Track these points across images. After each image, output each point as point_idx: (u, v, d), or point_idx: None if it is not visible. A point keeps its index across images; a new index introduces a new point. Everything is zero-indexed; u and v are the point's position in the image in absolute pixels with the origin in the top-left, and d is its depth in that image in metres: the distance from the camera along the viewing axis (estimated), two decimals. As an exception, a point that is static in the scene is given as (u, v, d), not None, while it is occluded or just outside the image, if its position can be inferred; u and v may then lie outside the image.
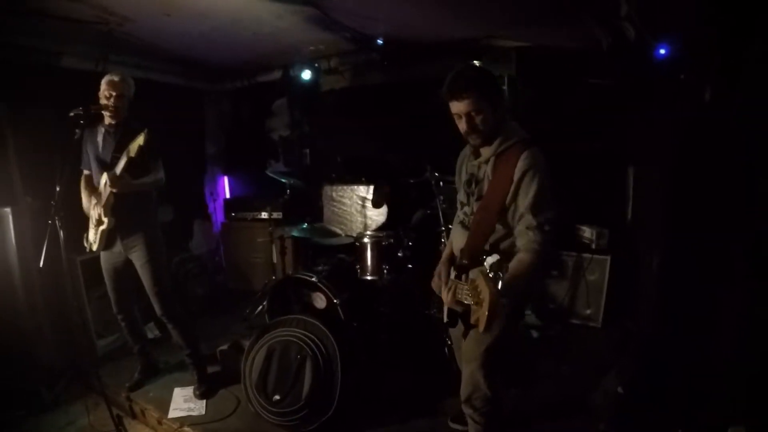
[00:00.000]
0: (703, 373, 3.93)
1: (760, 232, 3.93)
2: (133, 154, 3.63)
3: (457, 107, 2.57)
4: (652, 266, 4.95)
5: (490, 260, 2.18)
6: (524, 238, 2.50)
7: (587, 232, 5.58)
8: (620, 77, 5.15)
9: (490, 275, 2.13)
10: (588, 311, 5.47)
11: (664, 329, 4.64)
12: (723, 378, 3.84)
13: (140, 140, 3.58)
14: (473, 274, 2.45)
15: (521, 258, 2.47)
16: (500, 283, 2.09)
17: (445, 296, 2.54)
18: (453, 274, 2.63)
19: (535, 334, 5.26)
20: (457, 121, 2.65)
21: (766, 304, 3.83)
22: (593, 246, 5.49)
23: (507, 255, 2.53)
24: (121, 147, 3.78)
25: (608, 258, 5.35)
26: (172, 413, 4.17)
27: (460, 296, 2.41)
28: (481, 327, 2.08)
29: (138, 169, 3.89)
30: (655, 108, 4.96)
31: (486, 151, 2.71)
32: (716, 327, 4.17)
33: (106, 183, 3.88)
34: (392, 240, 4.85)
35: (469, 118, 2.57)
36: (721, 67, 4.16)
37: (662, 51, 4.45)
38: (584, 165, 5.57)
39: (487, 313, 2.03)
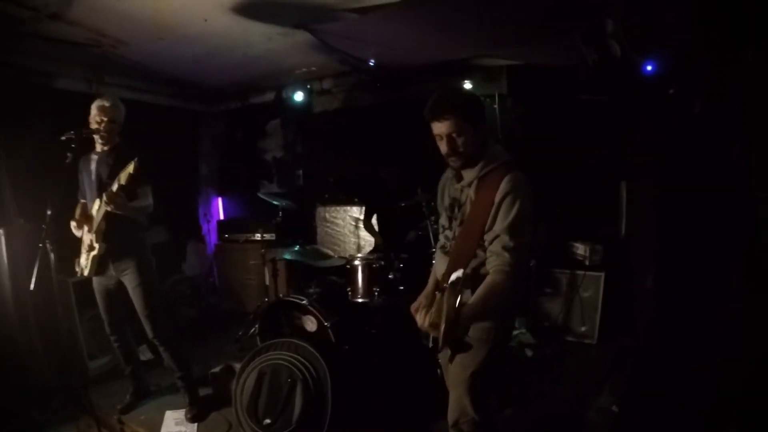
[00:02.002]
0: (699, 391, 3.92)
1: (756, 245, 3.94)
2: (123, 182, 3.62)
3: (438, 128, 2.58)
4: (646, 282, 4.95)
5: (454, 276, 2.16)
6: (499, 259, 2.46)
7: (581, 249, 5.56)
8: (609, 93, 5.18)
9: (451, 291, 2.11)
10: (583, 328, 5.44)
11: (659, 346, 4.63)
12: (719, 395, 3.83)
13: (130, 168, 3.56)
14: (439, 297, 2.41)
15: (494, 281, 2.45)
16: (460, 297, 2.08)
17: (420, 320, 2.49)
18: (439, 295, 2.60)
19: (529, 352, 5.23)
20: (438, 143, 2.65)
21: (762, 319, 3.84)
22: (587, 262, 5.47)
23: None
24: (114, 174, 3.76)
25: (602, 274, 5.33)
26: (164, 437, 4.13)
27: (431, 318, 2.39)
28: (440, 343, 2.06)
29: (129, 195, 3.87)
30: (645, 123, 4.98)
31: (468, 175, 2.68)
32: (712, 343, 4.16)
33: (99, 207, 3.89)
34: (383, 262, 4.82)
35: (450, 139, 2.57)
36: (710, 80, 4.18)
37: (649, 68, 4.47)
38: (576, 181, 5.59)
39: (443, 327, 2.01)
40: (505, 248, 2.44)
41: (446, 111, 2.52)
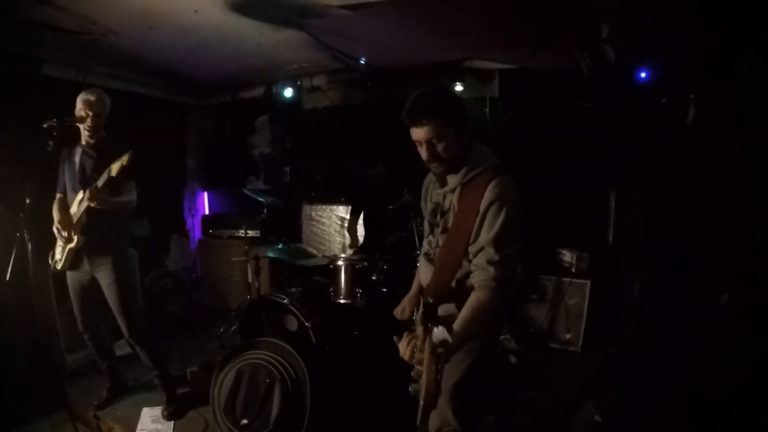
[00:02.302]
0: (686, 401, 3.90)
1: (747, 252, 3.92)
2: (114, 173, 3.55)
3: (417, 134, 2.43)
4: (633, 291, 4.93)
5: (437, 334, 1.98)
6: (483, 273, 2.34)
7: (567, 256, 5.55)
8: (602, 100, 5.16)
9: (431, 358, 1.87)
10: (568, 335, 5.43)
11: (645, 355, 4.61)
12: (707, 406, 3.81)
13: (124, 160, 3.51)
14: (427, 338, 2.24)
15: (479, 298, 2.32)
16: (442, 371, 1.90)
17: (403, 350, 2.29)
18: (420, 312, 2.47)
19: (513, 358, 5.19)
20: (418, 148, 2.51)
21: (752, 328, 3.82)
22: (573, 270, 5.47)
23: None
24: (100, 167, 3.71)
25: (588, 282, 5.31)
26: (140, 433, 4.08)
27: (416, 355, 2.18)
28: (419, 416, 1.96)
29: (114, 189, 3.83)
30: (638, 131, 4.97)
31: (452, 180, 2.55)
32: (701, 353, 4.14)
33: (81, 200, 3.82)
34: (366, 263, 4.77)
35: (429, 145, 2.42)
36: (707, 84, 4.16)
37: (643, 74, 4.45)
38: (565, 187, 5.57)
39: (421, 401, 1.89)
40: (489, 262, 2.32)
41: (424, 115, 2.37)
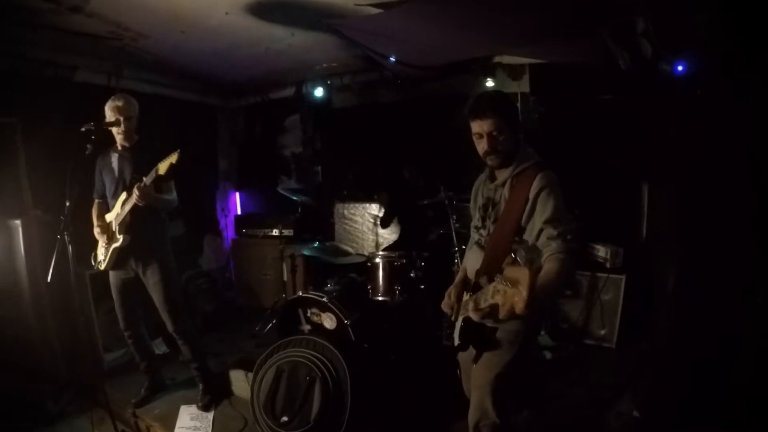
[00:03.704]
0: (723, 395, 3.86)
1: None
2: (162, 171, 3.66)
3: (480, 126, 2.63)
4: (667, 286, 4.87)
5: (522, 251, 2.21)
6: (548, 249, 2.46)
7: (602, 251, 5.48)
8: (635, 94, 5.11)
9: (521, 261, 2.11)
10: (602, 332, 5.37)
11: (681, 350, 4.56)
12: (744, 401, 3.76)
13: (173, 158, 3.60)
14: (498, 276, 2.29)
15: (549, 268, 2.40)
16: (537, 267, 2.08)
17: (465, 308, 2.48)
18: (468, 296, 2.56)
19: (548, 355, 5.17)
20: (476, 141, 2.71)
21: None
22: (608, 265, 5.39)
23: None
24: (140, 168, 3.81)
25: (623, 277, 5.25)
26: (178, 431, 4.12)
27: (483, 301, 2.16)
28: (519, 308, 1.93)
29: (158, 188, 3.91)
30: (671, 125, 4.91)
31: (502, 174, 2.75)
32: (736, 348, 4.10)
33: (125, 200, 3.92)
34: (404, 260, 4.80)
35: (490, 137, 2.63)
36: (740, 82, 4.11)
37: (680, 68, 4.40)
38: (598, 182, 5.52)
39: (526, 291, 1.89)
40: (551, 238, 2.45)
41: (489, 109, 2.59)
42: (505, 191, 2.71)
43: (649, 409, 3.96)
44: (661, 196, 5.37)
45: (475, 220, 2.98)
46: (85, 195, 3.99)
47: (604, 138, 5.48)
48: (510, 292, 1.93)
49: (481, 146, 2.68)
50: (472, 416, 2.85)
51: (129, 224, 4.00)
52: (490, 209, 2.82)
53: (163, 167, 3.63)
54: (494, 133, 2.61)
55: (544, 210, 2.51)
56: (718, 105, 4.36)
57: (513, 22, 4.21)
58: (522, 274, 1.89)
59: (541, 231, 2.51)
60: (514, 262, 2.14)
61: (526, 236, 2.61)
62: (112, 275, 4.25)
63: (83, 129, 3.64)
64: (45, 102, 5.00)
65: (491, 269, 2.50)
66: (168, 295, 4.19)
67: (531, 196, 2.54)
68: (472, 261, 2.89)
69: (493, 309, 2.09)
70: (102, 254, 4.13)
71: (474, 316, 2.23)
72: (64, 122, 4.40)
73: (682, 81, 4.50)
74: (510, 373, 2.70)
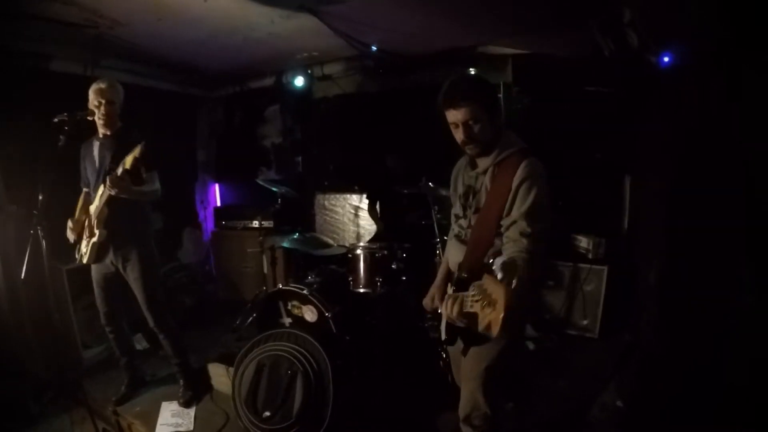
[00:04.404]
0: (705, 385, 3.87)
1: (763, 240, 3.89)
2: (128, 166, 3.53)
3: (455, 116, 2.55)
4: (649, 278, 4.90)
5: (499, 261, 2.15)
6: (516, 245, 2.40)
7: (584, 242, 5.51)
8: (619, 85, 5.11)
9: (499, 276, 2.06)
10: (585, 322, 5.40)
11: (663, 341, 4.59)
12: (725, 391, 3.78)
13: (136, 152, 3.49)
14: (477, 282, 2.31)
15: None
16: (514, 281, 2.04)
17: (448, 310, 2.37)
18: (451, 290, 2.53)
19: (531, 345, 5.18)
20: (453, 131, 2.64)
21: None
22: (590, 256, 5.43)
23: None
24: (117, 158, 3.69)
25: (605, 268, 5.27)
26: (160, 428, 4.08)
27: (466, 307, 2.24)
28: (495, 330, 1.95)
29: (136, 179, 3.77)
30: (656, 117, 4.92)
31: (483, 162, 2.67)
32: (717, 338, 4.12)
33: (102, 192, 3.81)
34: (386, 252, 4.77)
35: (466, 126, 2.54)
36: (728, 75, 4.11)
37: (666, 59, 4.39)
38: (581, 174, 5.53)
39: (503, 312, 1.91)
40: (522, 234, 2.40)
41: (463, 98, 2.50)
42: (487, 180, 2.65)
43: (632, 400, 3.98)
44: (644, 189, 5.38)
45: (456, 208, 2.94)
46: (60, 187, 3.88)
47: (588, 130, 5.46)
48: (487, 311, 1.98)
49: (458, 136, 2.61)
50: (463, 408, 2.88)
51: (107, 217, 3.91)
52: (470, 198, 2.76)
53: (128, 161, 3.52)
54: (470, 122, 2.53)
55: (522, 202, 2.44)
56: (707, 98, 4.36)
57: (497, 12, 4.20)
58: (499, 292, 1.93)
59: (514, 222, 2.46)
60: (492, 272, 2.14)
61: (503, 226, 2.56)
62: (94, 269, 4.18)
63: (56, 120, 3.59)
64: (19, 93, 4.90)
65: (473, 264, 2.54)
66: (149, 290, 4.13)
67: (513, 185, 2.47)
68: (453, 254, 2.88)
69: (473, 318, 2.15)
70: (84, 247, 4.05)
71: (456, 321, 2.29)
72: (38, 114, 4.30)
73: (668, 73, 4.50)
74: (499, 364, 2.71)
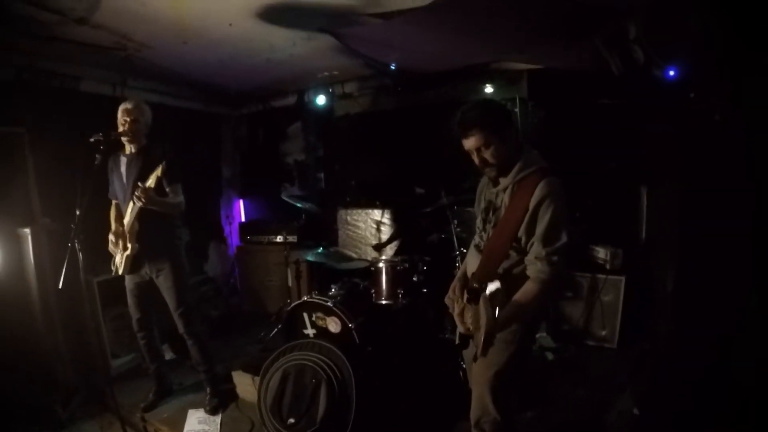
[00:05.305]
0: (722, 394, 3.90)
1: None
2: (152, 185, 3.74)
3: (467, 144, 2.68)
4: (666, 286, 4.91)
5: (491, 287, 2.28)
6: (532, 267, 2.56)
7: (601, 253, 5.52)
8: (631, 98, 5.16)
9: (489, 302, 2.22)
10: (603, 332, 5.41)
11: (680, 350, 4.60)
12: (742, 400, 3.80)
13: (158, 172, 3.70)
14: (475, 305, 2.47)
15: (528, 288, 2.54)
16: (497, 311, 2.19)
17: (455, 313, 2.61)
18: (465, 297, 2.64)
19: (550, 356, 5.23)
20: (472, 156, 2.73)
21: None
22: (608, 266, 5.43)
23: (518, 281, 2.59)
24: (143, 175, 3.87)
25: (623, 278, 5.29)
26: (186, 435, 4.19)
27: (466, 320, 2.48)
28: (478, 352, 2.12)
29: (158, 194, 3.96)
30: (666, 128, 4.95)
31: (504, 180, 2.75)
32: (734, 348, 4.13)
33: (132, 208, 3.99)
34: (407, 264, 4.86)
35: (479, 153, 2.67)
36: (730, 85, 4.16)
37: (671, 72, 4.45)
38: (597, 185, 5.57)
39: (482, 339, 2.08)
40: (538, 258, 2.53)
41: (470, 127, 2.63)
42: (506, 197, 2.74)
43: (648, 407, 4.01)
44: (659, 199, 5.40)
45: (478, 221, 3.03)
46: (95, 203, 4.03)
47: (602, 142, 5.50)
48: (475, 331, 2.25)
49: (475, 161, 2.74)
50: (473, 413, 2.93)
51: (138, 232, 4.08)
52: (490, 214, 2.86)
53: (152, 181, 3.73)
54: (481, 148, 2.64)
55: (540, 223, 2.54)
56: (712, 108, 4.40)
57: (511, 29, 4.26)
58: (483, 320, 2.12)
59: (532, 245, 2.59)
60: (484, 297, 2.31)
61: (522, 243, 2.66)
62: (128, 279, 4.32)
63: (92, 140, 3.72)
64: (51, 112, 5.07)
65: (486, 275, 2.62)
66: (181, 297, 4.27)
67: (531, 206, 2.56)
68: (471, 262, 2.97)
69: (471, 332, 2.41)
70: (119, 259, 4.20)
71: (461, 329, 2.51)
72: (70, 132, 4.46)
73: (675, 85, 4.54)
74: (509, 370, 2.77)
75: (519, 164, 2.69)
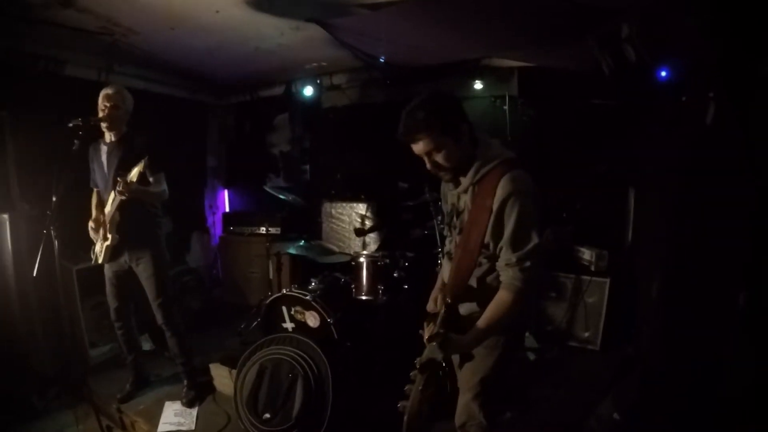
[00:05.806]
0: (704, 400, 3.88)
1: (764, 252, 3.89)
2: (134, 179, 3.67)
3: (416, 149, 2.41)
4: (651, 291, 4.90)
5: (425, 353, 2.26)
6: (504, 274, 2.36)
7: (586, 254, 5.50)
8: (623, 99, 5.13)
9: (421, 375, 2.25)
10: (586, 334, 5.39)
11: (663, 354, 4.59)
12: (725, 405, 3.79)
13: (140, 167, 3.63)
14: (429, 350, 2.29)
15: (501, 298, 2.34)
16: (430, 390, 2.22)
17: (425, 338, 2.40)
18: (441, 312, 2.45)
19: (531, 356, 5.20)
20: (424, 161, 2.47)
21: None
22: (592, 268, 5.40)
23: (495, 290, 2.39)
24: (124, 164, 3.82)
25: (607, 280, 5.26)
26: (162, 427, 4.14)
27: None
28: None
29: (143, 183, 3.90)
30: (657, 130, 4.93)
31: (464, 180, 2.49)
32: (718, 353, 4.12)
33: (113, 198, 3.93)
34: (388, 260, 4.82)
35: (429, 157, 2.40)
36: (724, 88, 4.14)
37: (663, 73, 4.42)
38: (584, 186, 5.57)
39: (405, 418, 2.23)
40: (509, 264, 2.31)
41: (416, 131, 2.35)
42: (468, 200, 2.49)
43: (630, 413, 3.99)
44: (647, 202, 5.38)
45: (445, 227, 2.88)
46: (71, 190, 3.95)
47: (592, 142, 5.48)
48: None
49: (428, 165, 2.46)
50: (459, 417, 2.85)
51: (119, 222, 4.02)
52: (454, 218, 2.66)
53: (134, 175, 3.66)
54: (432, 152, 2.37)
55: (506, 225, 2.30)
56: (704, 111, 4.38)
57: (503, 26, 4.23)
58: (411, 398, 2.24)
59: (501, 250, 2.36)
60: (420, 369, 2.29)
61: (491, 248, 2.42)
62: (107, 267, 4.27)
63: (70, 125, 3.66)
64: (34, 95, 5.00)
65: (457, 288, 2.49)
66: (160, 287, 4.23)
67: (495, 207, 2.31)
68: (444, 271, 2.83)
69: None
70: (99, 248, 4.15)
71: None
72: (53, 116, 4.38)
73: (667, 87, 4.51)
74: (494, 376, 2.67)
75: (478, 160, 2.42)
